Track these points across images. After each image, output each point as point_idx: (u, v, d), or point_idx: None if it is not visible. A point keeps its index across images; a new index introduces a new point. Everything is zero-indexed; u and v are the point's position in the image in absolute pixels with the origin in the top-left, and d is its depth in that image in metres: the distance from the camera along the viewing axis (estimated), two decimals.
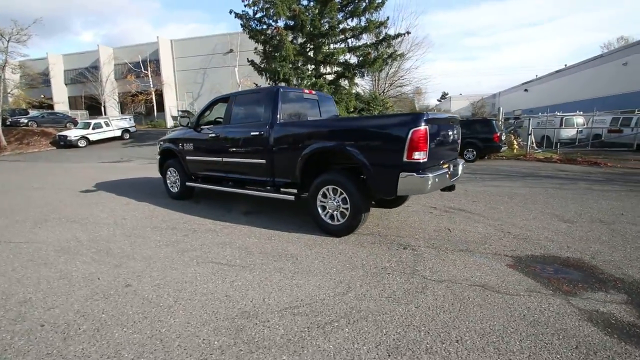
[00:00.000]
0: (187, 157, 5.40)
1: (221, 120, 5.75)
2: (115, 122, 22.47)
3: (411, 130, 3.06)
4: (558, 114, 17.61)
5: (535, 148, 14.93)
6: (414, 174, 3.13)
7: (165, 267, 2.99)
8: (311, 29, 15.54)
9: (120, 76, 33.13)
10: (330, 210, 3.77)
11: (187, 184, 5.52)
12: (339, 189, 3.63)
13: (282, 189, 4.37)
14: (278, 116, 4.21)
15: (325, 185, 3.73)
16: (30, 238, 3.86)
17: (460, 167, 4.00)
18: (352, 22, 16.44)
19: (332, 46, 16.51)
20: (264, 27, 17.08)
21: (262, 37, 16.57)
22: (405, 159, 3.13)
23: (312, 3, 15.81)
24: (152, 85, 31.75)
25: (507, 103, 38.83)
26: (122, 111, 33.10)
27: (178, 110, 5.55)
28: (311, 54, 17.00)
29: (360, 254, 3.28)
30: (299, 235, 3.85)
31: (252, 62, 17.62)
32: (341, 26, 15.86)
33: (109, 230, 4.11)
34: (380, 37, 16.38)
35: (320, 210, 3.84)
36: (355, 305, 2.34)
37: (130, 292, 2.53)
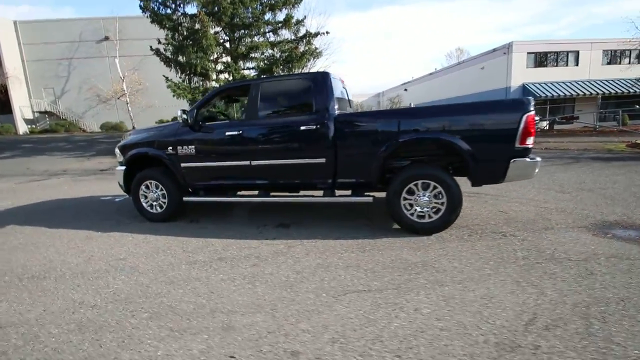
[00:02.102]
0: (185, 165, 4.07)
1: (221, 115, 4.61)
2: None
3: (525, 115, 3.01)
4: None
5: None
6: (526, 159, 3.10)
7: (304, 314, 2.12)
8: (231, 19, 14.16)
9: None
10: (418, 208, 3.41)
11: (186, 199, 4.19)
12: (432, 183, 3.31)
13: (336, 191, 3.78)
14: (335, 106, 3.57)
15: (413, 181, 3.35)
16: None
17: None
18: (268, 16, 15.69)
19: (255, 39, 15.41)
20: (169, 11, 14.68)
21: (170, 22, 14.19)
22: (517, 145, 3.06)
23: None
24: None
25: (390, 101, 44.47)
26: None
27: (181, 110, 3.86)
28: (227, 45, 15.53)
29: (479, 248, 3.07)
30: (386, 240, 3.36)
31: (157, 52, 14.96)
32: (266, 17, 14.93)
33: (122, 281, 2.72)
34: (300, 35, 16.14)
35: (404, 209, 3.44)
36: (575, 302, 2.13)
37: None
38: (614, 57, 24.30)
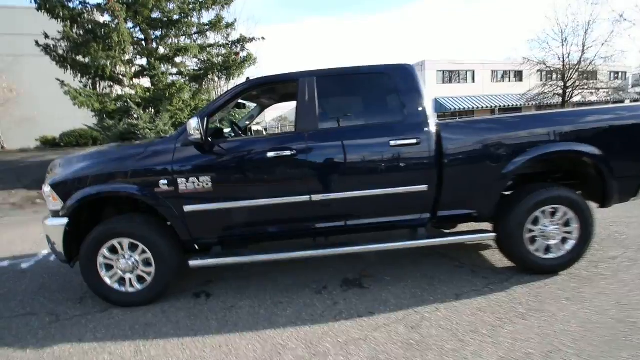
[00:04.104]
0: (191, 208, 2.48)
1: (227, 123, 3.15)
2: None
3: None
4: None
5: None
6: None
7: None
8: (150, 13, 11.83)
9: None
10: (545, 241, 2.64)
11: (195, 263, 2.56)
12: (563, 209, 2.59)
13: (420, 230, 2.76)
14: (433, 111, 2.59)
15: (542, 207, 2.57)
16: None
17: None
18: (195, 17, 13.68)
19: (181, 40, 13.16)
20: None
21: (66, 12, 10.99)
22: None
23: None
24: None
25: None
26: None
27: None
28: (143, 44, 12.96)
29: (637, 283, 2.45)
30: (520, 290, 2.48)
31: (45, 49, 11.46)
32: (193, 18, 12.88)
33: None
34: (232, 39, 14.51)
35: (528, 244, 2.64)
36: None
37: None
38: (500, 76, 29.21)
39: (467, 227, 3.35)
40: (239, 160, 2.51)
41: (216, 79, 13.45)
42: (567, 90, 23.20)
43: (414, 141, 2.45)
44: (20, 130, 19.44)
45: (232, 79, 13.94)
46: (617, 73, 32.75)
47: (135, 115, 11.42)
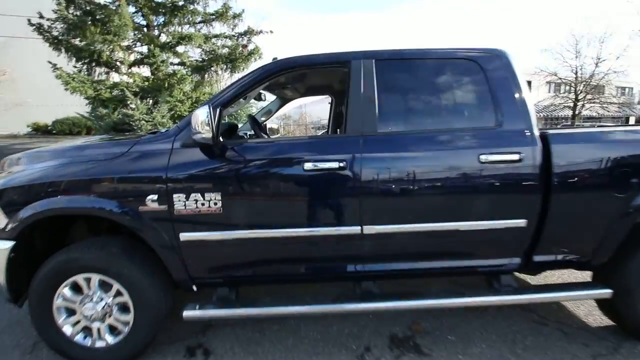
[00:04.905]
0: (189, 236, 1.74)
1: (249, 122, 2.43)
2: None
3: None
4: None
5: None
6: None
7: None
8: None
9: None
10: None
11: (190, 314, 1.80)
12: None
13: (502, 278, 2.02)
14: (534, 115, 1.86)
15: None
16: None
17: None
18: (201, 5, 12.89)
19: (185, 28, 12.38)
20: None
21: None
22: None
23: None
24: None
25: (315, 113, 44.32)
26: None
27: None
28: (145, 30, 12.18)
29: None
30: None
31: (38, 29, 10.62)
32: (198, 6, 12.08)
33: None
34: (240, 31, 13.73)
35: None
36: None
37: None
38: None
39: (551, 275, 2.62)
40: (264, 171, 1.76)
41: (220, 71, 12.67)
42: (578, 104, 22.71)
43: (515, 156, 1.72)
44: (11, 115, 18.49)
45: (237, 72, 13.19)
46: (624, 88, 32.44)
47: (132, 105, 10.66)
